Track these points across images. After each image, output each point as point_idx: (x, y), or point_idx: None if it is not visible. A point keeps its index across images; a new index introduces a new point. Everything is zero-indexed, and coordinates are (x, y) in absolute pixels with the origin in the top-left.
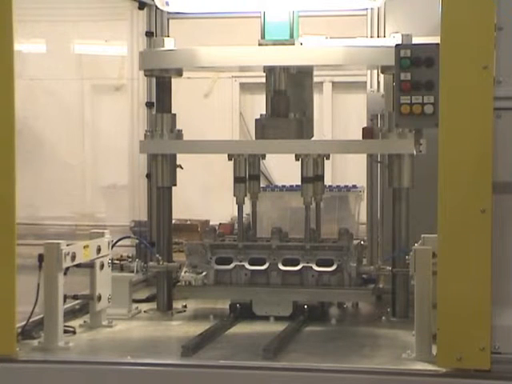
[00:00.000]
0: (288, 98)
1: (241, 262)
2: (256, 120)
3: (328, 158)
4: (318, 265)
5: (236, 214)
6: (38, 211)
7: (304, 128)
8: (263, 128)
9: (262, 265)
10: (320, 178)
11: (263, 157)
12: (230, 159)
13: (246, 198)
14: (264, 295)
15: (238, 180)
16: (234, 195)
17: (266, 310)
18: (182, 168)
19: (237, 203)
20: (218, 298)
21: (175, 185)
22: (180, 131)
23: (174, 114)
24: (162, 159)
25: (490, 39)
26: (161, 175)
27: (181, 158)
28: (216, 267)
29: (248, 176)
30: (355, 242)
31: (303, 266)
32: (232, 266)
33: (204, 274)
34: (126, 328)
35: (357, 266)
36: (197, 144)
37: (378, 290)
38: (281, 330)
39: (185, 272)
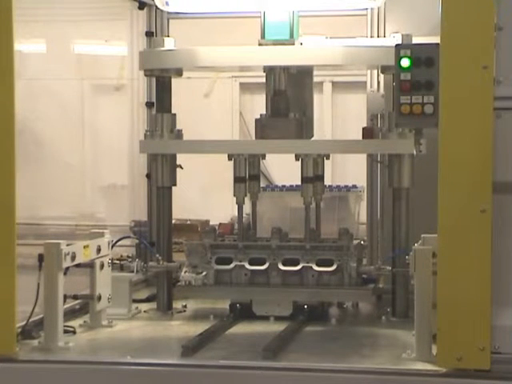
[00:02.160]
0: (288, 97)
1: (241, 261)
2: (256, 120)
3: (328, 157)
4: (318, 265)
5: (236, 213)
6: (38, 211)
7: (304, 128)
8: (263, 128)
9: (262, 265)
10: (320, 177)
11: (263, 157)
12: (230, 159)
13: (245, 198)
14: (264, 295)
15: (238, 180)
16: (234, 195)
17: (266, 309)
18: (181, 168)
19: (237, 203)
20: (218, 298)
21: (175, 185)
22: (180, 131)
23: (174, 114)
24: (161, 159)
25: (490, 39)
26: (161, 175)
27: (181, 158)
28: (216, 267)
29: (248, 176)
30: (355, 241)
31: (303, 266)
32: (232, 265)
33: (204, 273)
34: (125, 328)
35: (357, 265)
36: (197, 144)
37: (378, 289)
38: (281, 330)
39: (185, 272)
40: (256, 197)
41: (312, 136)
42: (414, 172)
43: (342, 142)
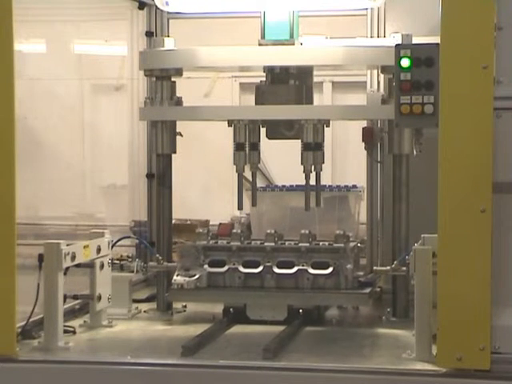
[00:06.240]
0: (288, 67)
1: (234, 264)
2: (256, 86)
3: (328, 125)
4: (314, 267)
5: (236, 213)
6: (38, 211)
7: (304, 95)
8: (263, 94)
9: (256, 267)
10: (320, 146)
11: (263, 124)
12: (229, 125)
13: (245, 198)
14: (258, 299)
15: (237, 147)
16: (234, 163)
17: (261, 314)
18: (181, 135)
19: (237, 171)
20: (211, 301)
21: (175, 152)
22: (180, 98)
23: (174, 81)
24: (161, 126)
25: (490, 39)
26: (160, 142)
27: (181, 158)
28: (209, 270)
29: (248, 144)
30: (352, 244)
31: (298, 269)
32: (225, 268)
33: (197, 276)
34: (126, 328)
35: (354, 268)
36: (197, 110)
37: (374, 293)
38: (281, 330)
39: (177, 275)
40: (256, 167)
41: (312, 104)
42: (413, 140)
43: (342, 107)
